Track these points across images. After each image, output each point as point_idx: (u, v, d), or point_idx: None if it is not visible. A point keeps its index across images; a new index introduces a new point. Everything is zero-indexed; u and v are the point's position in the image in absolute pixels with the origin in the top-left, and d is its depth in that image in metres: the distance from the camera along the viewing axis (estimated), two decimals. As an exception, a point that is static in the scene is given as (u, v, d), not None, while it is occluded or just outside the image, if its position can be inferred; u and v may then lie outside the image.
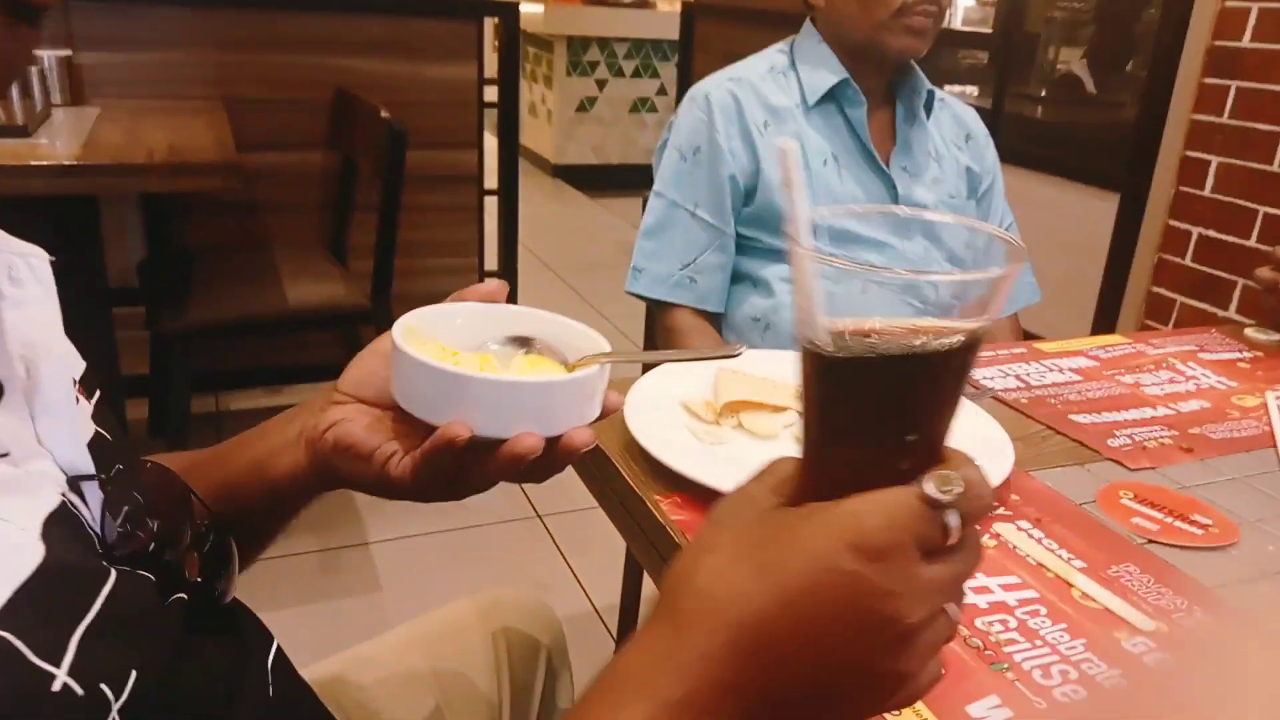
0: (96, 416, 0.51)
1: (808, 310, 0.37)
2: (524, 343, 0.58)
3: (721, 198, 1.31)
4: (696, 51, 3.86)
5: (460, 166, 2.53)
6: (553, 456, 0.52)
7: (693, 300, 1.33)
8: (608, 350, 0.55)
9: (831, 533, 0.36)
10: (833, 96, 1.34)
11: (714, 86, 1.33)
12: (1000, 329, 1.47)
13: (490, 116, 2.65)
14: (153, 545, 0.46)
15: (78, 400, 0.48)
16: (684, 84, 3.95)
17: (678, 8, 5.19)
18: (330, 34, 2.28)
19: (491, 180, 2.63)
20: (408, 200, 2.02)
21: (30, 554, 0.36)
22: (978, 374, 1.04)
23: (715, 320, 1.36)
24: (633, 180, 5.33)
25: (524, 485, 1.93)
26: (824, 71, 1.33)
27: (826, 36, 1.34)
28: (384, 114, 1.95)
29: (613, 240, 4.50)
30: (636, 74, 5.27)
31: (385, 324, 1.90)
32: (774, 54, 1.39)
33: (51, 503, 0.41)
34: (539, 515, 2.17)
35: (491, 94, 2.59)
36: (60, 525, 0.40)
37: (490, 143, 2.58)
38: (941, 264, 1.36)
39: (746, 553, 0.37)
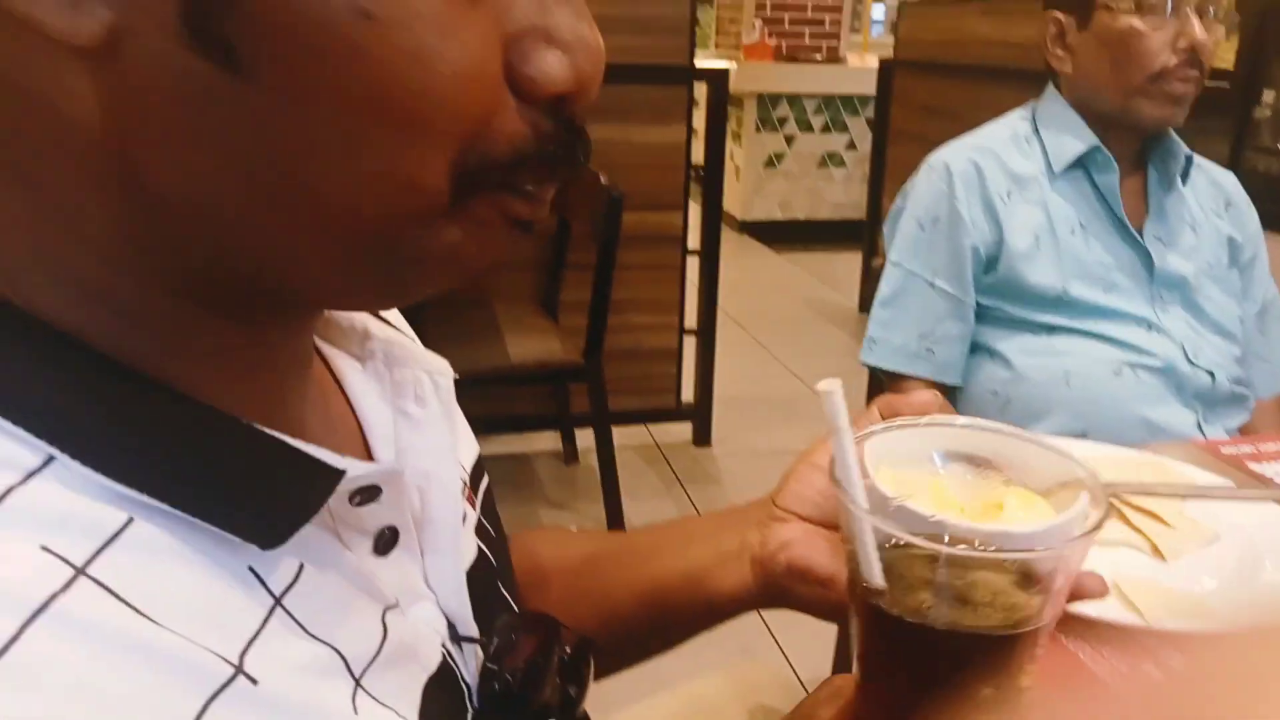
0: (483, 521, 0.51)
1: (860, 559, 0.36)
2: (973, 461, 0.53)
3: (962, 267, 1.28)
4: (894, 105, 3.81)
5: (665, 227, 2.59)
6: None
7: (930, 372, 1.30)
8: (1090, 477, 0.47)
9: None
10: (1081, 163, 1.29)
11: (954, 155, 1.31)
12: (1264, 417, 1.36)
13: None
14: (519, 688, 0.44)
15: (465, 516, 0.47)
16: (879, 138, 3.90)
17: (869, 63, 5.16)
18: (550, 103, 2.41)
19: (693, 240, 2.68)
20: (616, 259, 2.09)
21: None
22: (1265, 469, 0.96)
23: (951, 394, 1.32)
24: (820, 235, 5.30)
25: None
26: (1071, 138, 1.28)
27: (1073, 102, 1.30)
28: (603, 180, 2.04)
29: (801, 297, 4.47)
30: (825, 129, 5.26)
31: (596, 380, 1.98)
32: (1015, 120, 1.36)
33: (431, 664, 0.41)
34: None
35: (696, 155, 2.65)
36: (437, 693, 0.40)
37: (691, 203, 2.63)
38: (1209, 339, 1.27)
39: None
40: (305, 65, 0.28)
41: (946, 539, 0.36)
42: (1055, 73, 1.32)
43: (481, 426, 0.55)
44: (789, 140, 5.27)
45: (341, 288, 0.34)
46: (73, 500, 0.28)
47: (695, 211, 2.64)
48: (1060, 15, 1.28)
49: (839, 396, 0.38)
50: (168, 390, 0.32)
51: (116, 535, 0.29)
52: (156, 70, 0.28)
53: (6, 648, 0.25)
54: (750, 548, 0.55)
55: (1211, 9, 1.20)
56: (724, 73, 2.63)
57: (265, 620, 0.32)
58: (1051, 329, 1.26)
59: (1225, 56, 2.87)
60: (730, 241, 5.38)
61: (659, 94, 2.47)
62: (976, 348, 1.32)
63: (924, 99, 3.60)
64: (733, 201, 5.44)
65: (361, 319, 0.47)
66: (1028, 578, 0.35)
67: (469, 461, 0.53)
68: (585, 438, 2.58)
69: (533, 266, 2.52)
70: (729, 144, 5.55)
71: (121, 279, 0.31)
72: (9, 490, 0.27)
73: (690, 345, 2.77)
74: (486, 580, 0.48)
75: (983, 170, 1.29)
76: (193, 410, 0.32)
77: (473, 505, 0.51)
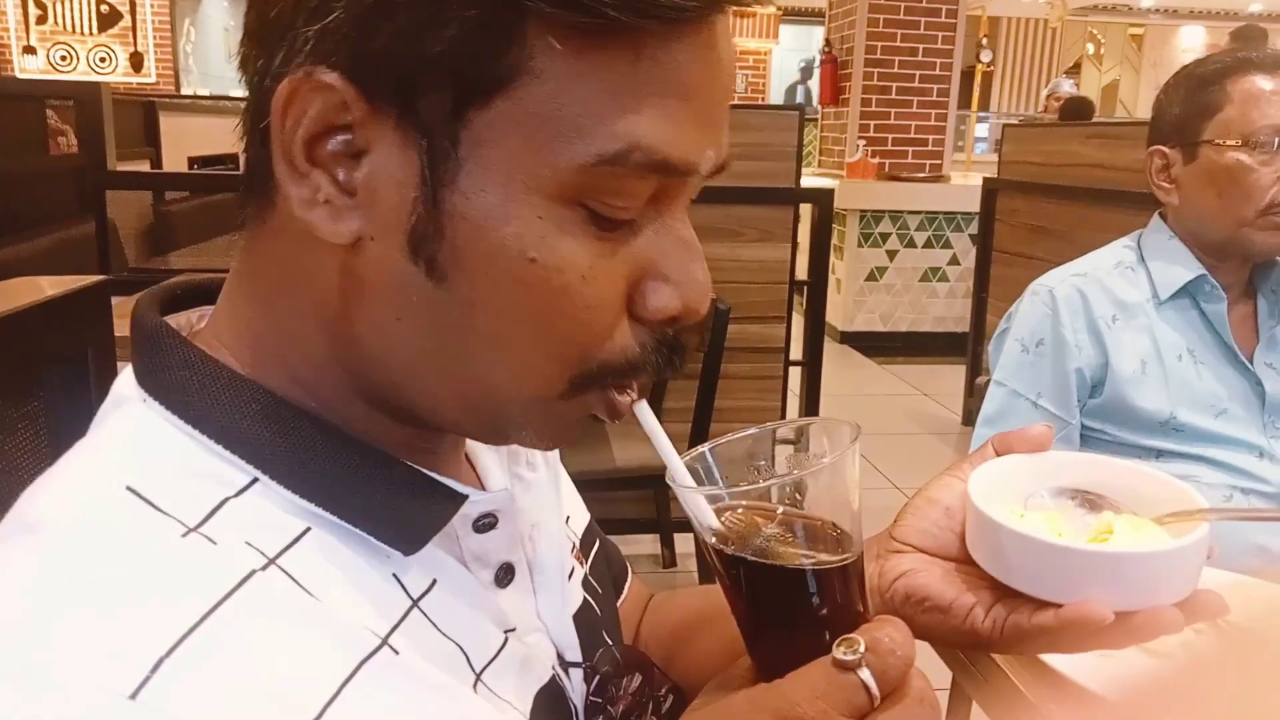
0: (590, 577, 0.59)
1: (696, 514, 0.42)
2: (1079, 495, 0.55)
3: (1066, 390, 1.31)
4: (997, 224, 3.85)
5: (769, 339, 2.67)
6: (1127, 628, 0.48)
7: (1035, 492, 1.31)
8: (1201, 505, 0.51)
9: (761, 711, 0.39)
10: (1188, 292, 1.31)
11: (1058, 282, 1.35)
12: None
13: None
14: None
15: (573, 571, 0.56)
16: (983, 256, 3.93)
17: (972, 180, 5.22)
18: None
19: (795, 351, 2.74)
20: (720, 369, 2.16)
21: None
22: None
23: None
24: (922, 347, 5.29)
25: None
26: (1178, 267, 1.31)
27: (1180, 231, 1.33)
28: (711, 295, 2.13)
29: (902, 408, 4.45)
30: (929, 245, 5.31)
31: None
32: (1121, 249, 1.40)
33: (543, 677, 0.49)
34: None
35: (800, 270, 2.74)
36: (547, 702, 0.48)
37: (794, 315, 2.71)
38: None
39: None
40: (484, 285, 0.39)
41: (726, 496, 0.43)
42: (1161, 200, 1.36)
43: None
44: (891, 255, 5.33)
45: (466, 430, 0.46)
46: (270, 511, 0.40)
47: (798, 324, 2.70)
48: (1165, 149, 1.32)
49: (645, 409, 0.46)
50: (341, 433, 0.43)
51: (299, 538, 0.40)
52: (382, 266, 0.40)
53: (212, 609, 0.35)
54: (869, 579, 0.59)
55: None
56: (829, 192, 2.73)
57: (405, 614, 0.42)
58: (1159, 454, 1.27)
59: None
60: (831, 351, 5.42)
61: (767, 214, 2.57)
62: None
63: (1028, 218, 3.63)
64: (834, 313, 5.49)
65: None
66: (813, 524, 0.43)
67: (580, 527, 0.62)
68: (684, 542, 2.61)
69: (640, 374, 2.61)
70: (831, 258, 5.64)
71: (323, 378, 0.44)
72: (225, 500, 0.39)
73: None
74: (591, 625, 0.55)
75: (1087, 296, 1.32)
76: (360, 448, 0.43)
77: (581, 563, 0.59)
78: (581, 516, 0.63)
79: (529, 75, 0.37)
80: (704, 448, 0.46)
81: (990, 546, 0.52)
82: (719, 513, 0.42)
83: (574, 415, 0.44)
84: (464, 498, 0.45)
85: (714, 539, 0.42)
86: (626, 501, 2.69)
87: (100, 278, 0.91)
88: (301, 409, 0.43)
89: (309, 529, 0.40)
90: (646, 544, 2.82)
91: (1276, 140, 1.21)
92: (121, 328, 0.95)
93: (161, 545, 0.36)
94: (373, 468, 0.43)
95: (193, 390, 0.42)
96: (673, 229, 0.43)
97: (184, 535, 0.37)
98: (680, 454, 0.45)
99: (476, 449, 0.55)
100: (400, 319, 0.41)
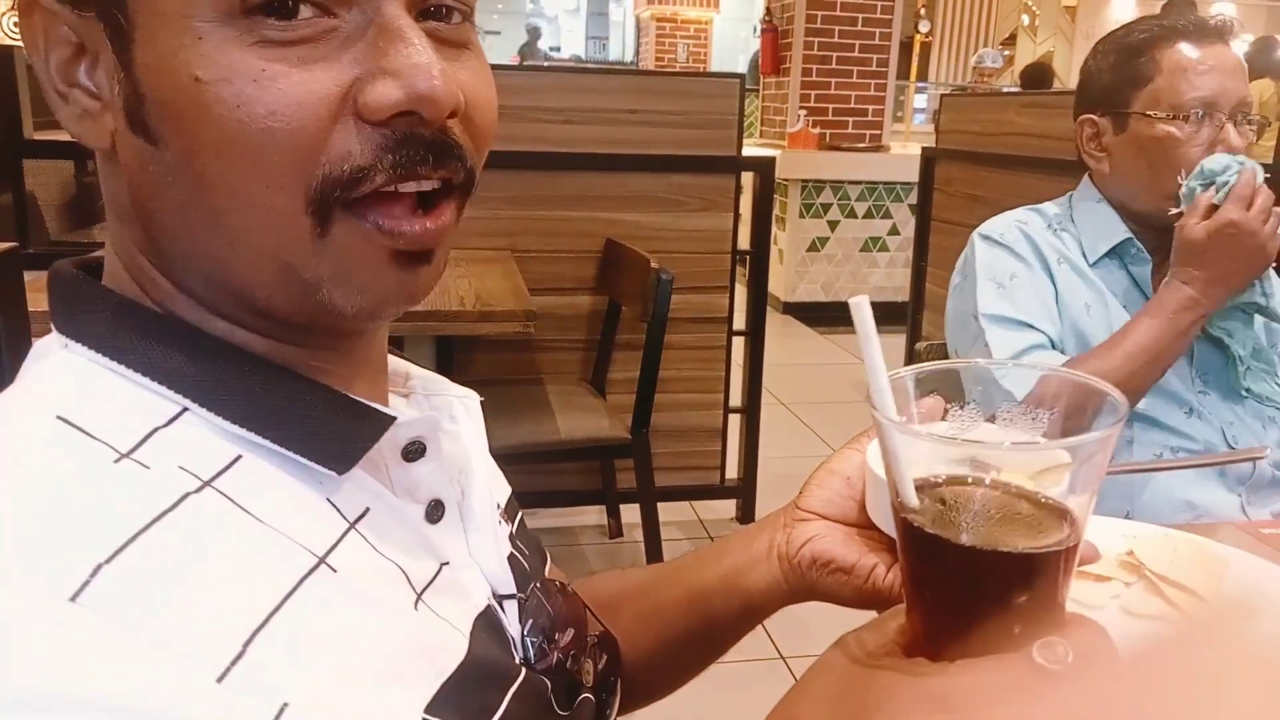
0: (516, 538, 0.60)
1: (897, 476, 0.37)
2: (969, 461, 0.57)
3: (1049, 309, 1.31)
4: (936, 193, 3.90)
5: (712, 309, 2.67)
6: None
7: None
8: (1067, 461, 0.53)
9: (933, 701, 0.35)
10: (1115, 253, 1.34)
11: (1004, 226, 1.37)
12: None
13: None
14: (560, 657, 0.54)
15: (500, 522, 0.57)
16: (922, 223, 3.98)
17: (911, 150, 5.27)
18: (603, 191, 2.53)
19: (738, 321, 2.75)
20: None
21: (458, 649, 0.45)
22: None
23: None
24: (863, 317, 5.35)
25: (767, 625, 1.94)
26: (1106, 228, 1.34)
27: (1108, 196, 1.35)
28: (653, 264, 2.12)
29: (846, 378, 4.51)
30: (869, 215, 5.36)
31: (643, 457, 2.03)
32: (1050, 208, 1.42)
33: (480, 604, 0.50)
34: (782, 657, 2.16)
35: (742, 241, 2.74)
36: (485, 628, 0.49)
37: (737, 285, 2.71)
38: (1249, 423, 1.29)
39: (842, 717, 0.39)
40: (183, 129, 0.40)
41: (973, 464, 0.37)
42: (1089, 168, 1.38)
43: (530, 501, 0.63)
44: (832, 225, 5.37)
45: (289, 304, 0.43)
46: (201, 437, 0.41)
47: (740, 294, 2.71)
48: (1095, 118, 1.33)
49: (866, 307, 0.41)
50: (266, 361, 0.44)
51: (232, 464, 0.41)
52: (128, 154, 0.42)
53: (149, 525, 0.36)
54: (777, 547, 0.61)
55: (1243, 113, 1.25)
56: (770, 160, 2.73)
57: (342, 536, 0.42)
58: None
59: (1266, 145, 2.92)
60: (773, 321, 5.46)
61: (708, 182, 2.57)
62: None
63: (965, 187, 3.68)
64: (776, 284, 5.52)
65: (404, 366, 0.59)
66: (1053, 501, 0.37)
67: (502, 497, 0.62)
68: (631, 513, 2.62)
69: (583, 346, 2.60)
70: (774, 229, 5.66)
71: (185, 305, 0.44)
72: (155, 429, 0.40)
73: (735, 423, 2.82)
74: (521, 569, 0.56)
75: (1032, 237, 1.35)
76: (289, 377, 0.44)
77: (508, 522, 0.60)
78: (504, 488, 0.64)
79: None
80: (906, 372, 0.40)
81: (886, 508, 0.54)
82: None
83: (362, 257, 0.42)
84: (391, 419, 0.46)
85: (916, 501, 0.37)
86: (571, 474, 2.69)
87: (9, 245, 0.87)
88: (217, 338, 0.44)
89: (240, 456, 0.41)
90: (593, 515, 2.82)
91: (1202, 112, 1.23)
92: (37, 303, 0.91)
93: (95, 467, 0.37)
94: (295, 390, 0.44)
95: (112, 327, 0.42)
96: (385, 27, 0.41)
97: (116, 461, 0.38)
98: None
99: (397, 406, 0.55)
100: (155, 197, 0.42)
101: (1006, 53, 9.23)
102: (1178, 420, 1.28)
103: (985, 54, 7.68)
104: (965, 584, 0.37)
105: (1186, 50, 1.24)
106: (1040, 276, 1.32)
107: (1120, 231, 1.32)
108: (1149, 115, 1.26)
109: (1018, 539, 0.36)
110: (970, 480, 0.38)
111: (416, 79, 0.40)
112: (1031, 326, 1.30)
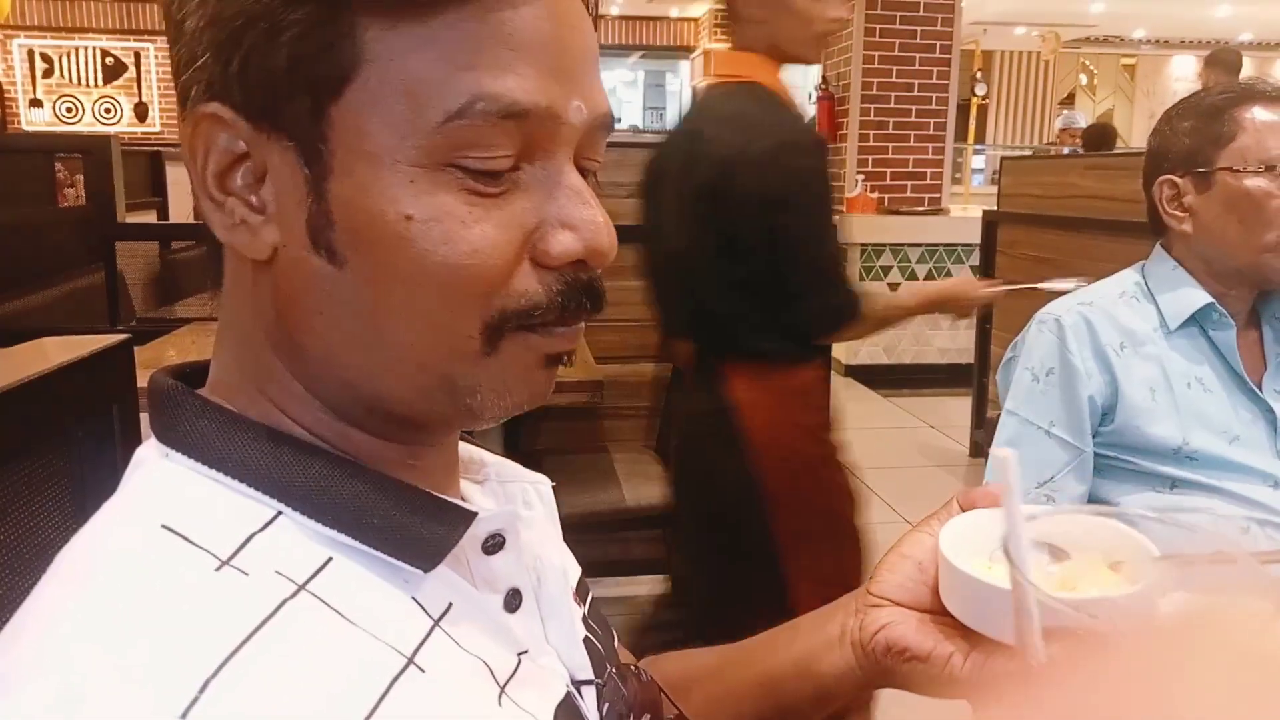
0: (589, 619, 0.60)
1: (1023, 633, 0.36)
2: (1044, 546, 0.55)
3: (1079, 418, 1.31)
4: (999, 255, 3.88)
5: (775, 375, 2.67)
6: None
7: (1050, 524, 1.31)
8: (1155, 554, 0.51)
9: None
10: (1195, 320, 1.32)
11: (1064, 310, 1.36)
12: None
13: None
14: None
15: (574, 605, 0.57)
16: (985, 287, 3.95)
17: (971, 212, 5.26)
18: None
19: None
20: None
21: None
22: None
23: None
24: (926, 379, 5.29)
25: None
26: (1186, 296, 1.32)
27: (1188, 259, 1.34)
28: (612, 235, 2.14)
29: (908, 440, 4.44)
30: (930, 276, 5.33)
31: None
32: (1124, 279, 1.40)
33: (559, 693, 0.50)
34: (855, 732, 2.10)
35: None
36: (566, 716, 0.49)
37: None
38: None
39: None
40: (376, 256, 0.42)
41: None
42: (1164, 232, 1.37)
43: (594, 570, 0.63)
44: (893, 288, 5.35)
45: (429, 411, 0.46)
46: (294, 540, 0.42)
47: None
48: (1175, 179, 1.32)
49: (1014, 462, 0.41)
50: (357, 464, 0.46)
51: (324, 565, 0.42)
52: (296, 269, 0.44)
53: (251, 634, 0.37)
54: (850, 633, 0.60)
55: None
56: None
57: (428, 634, 0.44)
58: (1175, 482, 1.26)
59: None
60: (836, 384, 5.42)
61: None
62: (1094, 500, 1.32)
63: (1028, 249, 3.65)
64: (838, 346, 5.50)
65: (477, 453, 0.60)
66: None
67: (573, 577, 0.62)
68: (696, 582, 2.58)
69: (646, 414, 2.61)
70: (833, 291, 5.65)
71: (296, 402, 0.47)
72: (253, 534, 0.42)
73: (800, 491, 2.79)
74: (597, 652, 0.57)
75: (1093, 324, 1.33)
76: (375, 478, 0.46)
77: (580, 604, 0.60)
78: (575, 568, 0.64)
79: (368, 61, 0.41)
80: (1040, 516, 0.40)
81: (962, 597, 0.54)
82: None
83: (519, 365, 0.45)
84: (473, 515, 0.47)
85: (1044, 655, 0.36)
86: (635, 542, 2.68)
87: (123, 335, 0.91)
88: (308, 442, 0.46)
89: (331, 558, 0.43)
90: (658, 584, 2.80)
91: None
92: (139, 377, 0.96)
93: (199, 577, 0.39)
94: (383, 490, 0.46)
95: (210, 436, 0.44)
96: (560, 181, 0.45)
97: (217, 569, 0.39)
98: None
99: (472, 494, 0.57)
100: (322, 313, 0.44)
101: (1084, 113, 9.17)
102: (1263, 494, 1.24)
103: (1072, 115, 7.74)
104: None
105: (1267, 108, 1.25)
106: (1081, 380, 1.31)
107: (1201, 297, 1.30)
108: (1237, 170, 1.25)
109: None
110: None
111: (596, 235, 0.45)
112: (1047, 433, 1.33)
